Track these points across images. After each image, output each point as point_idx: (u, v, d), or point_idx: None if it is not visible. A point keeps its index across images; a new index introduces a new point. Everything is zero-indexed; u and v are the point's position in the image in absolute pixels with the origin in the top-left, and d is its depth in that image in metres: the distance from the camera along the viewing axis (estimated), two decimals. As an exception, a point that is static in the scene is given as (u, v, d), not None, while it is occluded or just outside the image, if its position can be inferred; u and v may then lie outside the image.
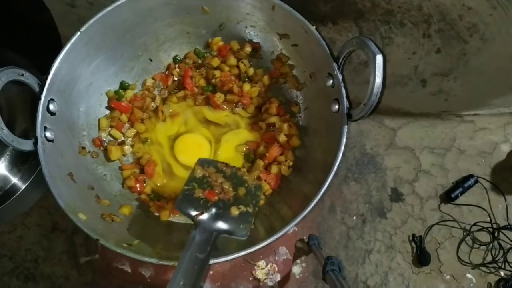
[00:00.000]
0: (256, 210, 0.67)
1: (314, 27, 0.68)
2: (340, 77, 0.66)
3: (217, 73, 0.81)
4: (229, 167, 0.71)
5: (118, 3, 0.69)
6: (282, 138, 0.78)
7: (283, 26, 0.75)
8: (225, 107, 0.82)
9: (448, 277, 1.00)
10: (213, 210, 0.65)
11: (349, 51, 0.64)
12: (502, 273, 1.00)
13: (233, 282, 0.94)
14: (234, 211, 0.66)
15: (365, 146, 1.07)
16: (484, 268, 1.00)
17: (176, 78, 0.85)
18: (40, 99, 0.65)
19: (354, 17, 0.83)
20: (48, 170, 0.64)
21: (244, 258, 0.94)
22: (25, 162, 0.83)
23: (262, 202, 0.77)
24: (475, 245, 1.01)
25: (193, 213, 0.64)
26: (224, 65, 0.82)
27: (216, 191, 0.68)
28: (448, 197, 1.02)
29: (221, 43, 0.82)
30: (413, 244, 1.01)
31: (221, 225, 0.64)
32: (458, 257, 1.00)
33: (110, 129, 0.81)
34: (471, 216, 1.02)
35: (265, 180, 0.77)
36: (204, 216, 0.64)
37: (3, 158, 0.83)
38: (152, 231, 0.76)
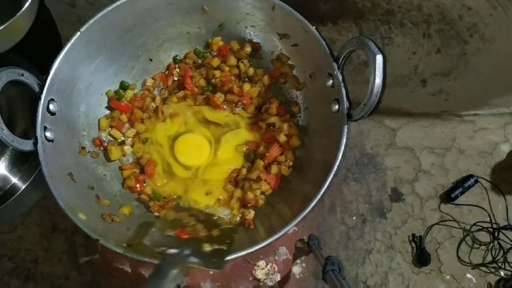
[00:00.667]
0: (231, 249, 0.64)
1: (314, 27, 0.68)
2: (340, 77, 0.66)
3: (217, 73, 0.81)
4: (202, 213, 0.70)
5: (118, 3, 0.69)
6: (282, 138, 0.78)
7: (283, 26, 0.75)
8: (225, 107, 0.82)
9: (448, 277, 1.00)
10: (183, 247, 0.62)
11: (349, 51, 0.64)
12: (502, 273, 1.00)
13: (233, 282, 0.94)
14: (206, 247, 0.63)
15: (365, 146, 1.07)
16: (484, 268, 1.00)
17: (176, 78, 0.85)
18: (40, 99, 0.65)
19: (354, 17, 0.83)
20: (48, 170, 0.64)
21: (244, 258, 0.94)
22: (25, 162, 0.83)
23: (262, 202, 0.77)
24: (475, 245, 1.01)
25: (162, 248, 0.62)
26: (224, 65, 0.82)
27: (188, 230, 0.65)
28: (448, 197, 1.02)
29: (221, 43, 0.82)
30: (413, 244, 1.01)
31: (192, 259, 0.61)
32: (458, 257, 1.00)
33: (110, 129, 0.81)
34: (471, 216, 1.02)
35: (265, 180, 0.77)
36: (173, 251, 0.61)
37: (3, 158, 0.83)
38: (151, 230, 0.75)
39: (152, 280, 0.56)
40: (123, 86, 0.81)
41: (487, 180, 1.04)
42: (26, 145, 0.63)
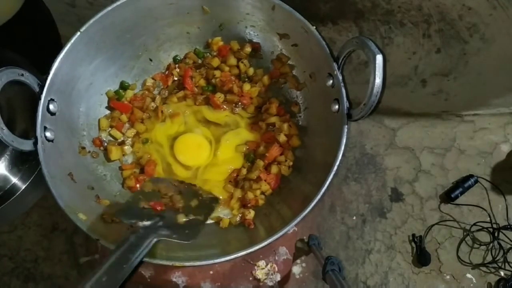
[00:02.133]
0: (207, 220, 0.64)
1: (314, 27, 0.68)
2: (340, 77, 0.66)
3: (217, 73, 0.81)
4: (183, 184, 0.68)
5: (118, 3, 0.69)
6: (282, 138, 0.78)
7: (283, 26, 0.75)
8: (225, 107, 0.82)
9: (448, 277, 1.00)
10: (157, 218, 0.61)
11: (349, 51, 0.64)
12: (502, 273, 1.00)
13: (233, 282, 0.94)
14: (181, 219, 0.62)
15: (365, 146, 1.07)
16: (484, 268, 1.00)
17: (176, 78, 0.85)
18: (40, 99, 0.65)
19: (354, 17, 0.83)
20: (48, 170, 0.64)
21: (244, 258, 0.94)
22: (25, 162, 0.83)
23: (262, 202, 0.77)
24: (475, 245, 1.01)
25: (133, 221, 0.61)
26: (224, 65, 0.82)
27: (164, 202, 0.64)
28: (448, 197, 1.02)
29: (221, 43, 0.82)
30: (413, 244, 1.01)
31: (163, 231, 0.60)
32: (458, 257, 1.00)
33: (110, 129, 0.81)
34: (471, 216, 1.02)
35: (265, 180, 0.77)
36: (145, 223, 0.60)
37: (3, 158, 0.83)
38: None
39: (117, 252, 0.54)
40: (123, 86, 0.81)
41: (487, 180, 1.04)
42: (26, 145, 0.63)
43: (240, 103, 0.82)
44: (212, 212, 0.65)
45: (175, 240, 0.60)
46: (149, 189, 0.66)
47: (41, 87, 0.65)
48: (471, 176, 1.03)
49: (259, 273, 0.94)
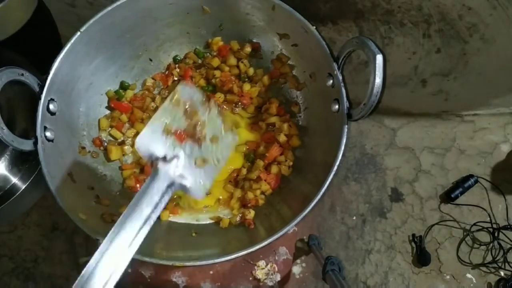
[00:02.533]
0: (221, 167, 0.59)
1: (314, 27, 0.68)
2: (340, 77, 0.66)
3: (217, 73, 0.81)
4: (214, 105, 0.61)
5: (118, 3, 0.69)
6: (282, 138, 0.78)
7: (283, 26, 0.75)
8: (225, 107, 0.82)
9: (448, 277, 1.00)
10: (178, 155, 0.54)
11: (349, 51, 0.64)
12: (502, 273, 1.00)
13: (233, 282, 0.94)
14: (201, 163, 0.56)
15: (365, 146, 1.07)
16: (484, 268, 1.00)
17: (176, 78, 0.85)
18: (40, 99, 0.65)
19: (354, 17, 0.83)
20: (48, 170, 0.64)
21: (244, 258, 0.94)
22: (25, 162, 0.83)
23: (262, 202, 0.77)
24: (475, 245, 1.01)
25: (154, 155, 0.54)
26: (224, 65, 0.82)
27: (188, 134, 0.57)
28: (448, 197, 1.02)
29: (221, 43, 0.82)
30: (413, 244, 1.01)
31: (181, 178, 0.54)
32: (458, 257, 1.00)
33: (110, 129, 0.81)
34: (471, 216, 1.02)
35: (265, 180, 0.77)
36: (166, 160, 0.54)
37: (3, 158, 0.82)
38: (152, 231, 0.75)
39: (139, 198, 0.50)
40: (123, 86, 0.81)
41: (487, 180, 1.04)
42: (26, 145, 0.63)
43: (240, 103, 0.82)
44: (226, 158, 0.59)
45: (187, 193, 0.56)
46: (177, 104, 0.58)
47: (41, 87, 0.65)
48: (471, 176, 1.03)
49: (259, 273, 0.94)
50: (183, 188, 0.55)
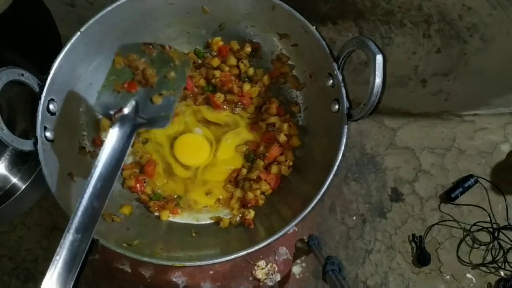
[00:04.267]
0: (181, 92, 0.64)
1: (314, 27, 0.68)
2: (340, 77, 0.66)
3: (217, 73, 0.81)
4: (154, 47, 0.65)
5: (118, 3, 0.69)
6: (282, 138, 0.78)
7: (283, 26, 0.75)
8: (225, 107, 0.82)
9: (448, 277, 1.00)
10: (133, 103, 0.62)
11: (349, 51, 0.64)
12: (502, 273, 1.00)
13: (233, 282, 0.94)
14: (157, 100, 0.62)
15: (365, 146, 1.07)
16: (484, 268, 1.00)
17: (176, 78, 0.85)
18: (40, 99, 0.65)
19: (354, 17, 0.83)
20: (48, 170, 0.64)
21: (244, 258, 0.94)
22: (25, 162, 0.83)
23: (262, 202, 0.77)
24: (475, 245, 1.01)
25: (112, 111, 0.61)
26: (224, 65, 0.82)
27: (138, 80, 0.63)
28: (448, 197, 1.02)
29: (221, 43, 0.82)
30: (413, 244, 1.01)
31: (140, 119, 0.61)
32: (458, 257, 1.00)
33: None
34: (471, 216, 1.02)
35: (265, 180, 0.77)
36: (123, 112, 0.61)
37: (3, 158, 0.83)
38: (152, 231, 0.76)
39: (104, 154, 0.57)
40: (123, 86, 0.81)
41: (487, 180, 1.04)
42: (26, 145, 0.63)
43: (240, 103, 0.82)
44: (184, 83, 0.64)
45: (153, 128, 0.65)
46: (120, 65, 0.64)
47: (41, 87, 0.65)
48: (471, 176, 1.03)
49: (259, 273, 0.94)
50: (146, 125, 0.61)
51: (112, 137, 0.59)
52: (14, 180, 0.83)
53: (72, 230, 0.52)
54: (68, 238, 0.52)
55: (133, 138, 0.59)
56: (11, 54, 0.79)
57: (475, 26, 0.80)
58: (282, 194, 0.78)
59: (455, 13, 0.78)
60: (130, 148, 0.79)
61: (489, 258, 1.00)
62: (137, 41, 0.65)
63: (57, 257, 0.51)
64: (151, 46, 0.64)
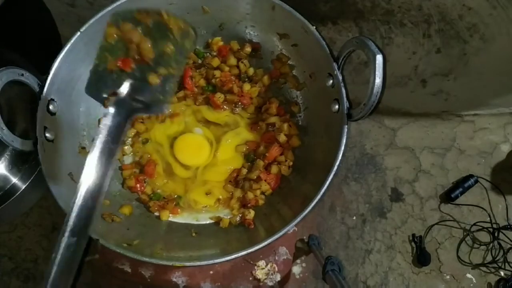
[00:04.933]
0: (182, 69, 0.55)
1: (314, 27, 0.68)
2: (340, 77, 0.66)
3: (217, 73, 0.81)
4: (149, 15, 0.55)
5: (118, 3, 0.69)
6: (282, 138, 0.78)
7: (283, 26, 0.75)
8: (225, 107, 0.82)
9: (448, 277, 1.00)
10: (128, 84, 0.53)
11: (349, 51, 0.64)
12: (502, 273, 1.00)
13: (233, 282, 0.94)
14: (154, 80, 0.53)
15: (365, 146, 1.07)
16: (484, 268, 1.00)
17: (176, 78, 0.85)
18: (40, 99, 0.65)
19: (354, 17, 0.83)
20: (48, 170, 0.64)
21: (244, 258, 0.94)
22: (25, 162, 0.83)
23: (262, 202, 0.77)
24: (475, 245, 1.01)
25: (105, 95, 0.53)
26: (224, 65, 0.82)
27: (132, 57, 0.54)
28: (448, 197, 1.02)
29: (221, 43, 0.82)
30: (413, 244, 1.01)
31: (137, 103, 0.53)
32: (458, 257, 1.00)
33: (110, 129, 0.80)
34: (471, 216, 1.02)
35: (265, 180, 0.77)
36: (118, 95, 0.52)
37: (3, 158, 0.83)
38: (152, 231, 0.76)
39: (98, 138, 0.50)
40: (123, 86, 0.81)
41: (487, 180, 1.04)
42: (26, 145, 0.63)
43: (240, 103, 0.82)
44: (185, 58, 0.56)
45: (151, 113, 0.56)
46: (113, 37, 0.54)
47: (41, 87, 0.65)
48: (471, 176, 1.03)
49: (259, 273, 0.94)
50: (142, 111, 0.54)
51: (106, 126, 0.51)
52: (14, 180, 0.83)
53: (67, 233, 0.48)
54: (64, 242, 0.48)
55: (128, 126, 0.53)
56: (11, 54, 0.79)
57: (475, 26, 0.80)
58: (282, 194, 0.78)
59: (455, 13, 0.78)
60: (129, 148, 0.80)
61: (489, 258, 1.00)
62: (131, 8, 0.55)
63: (53, 264, 0.48)
64: (147, 14, 0.54)
